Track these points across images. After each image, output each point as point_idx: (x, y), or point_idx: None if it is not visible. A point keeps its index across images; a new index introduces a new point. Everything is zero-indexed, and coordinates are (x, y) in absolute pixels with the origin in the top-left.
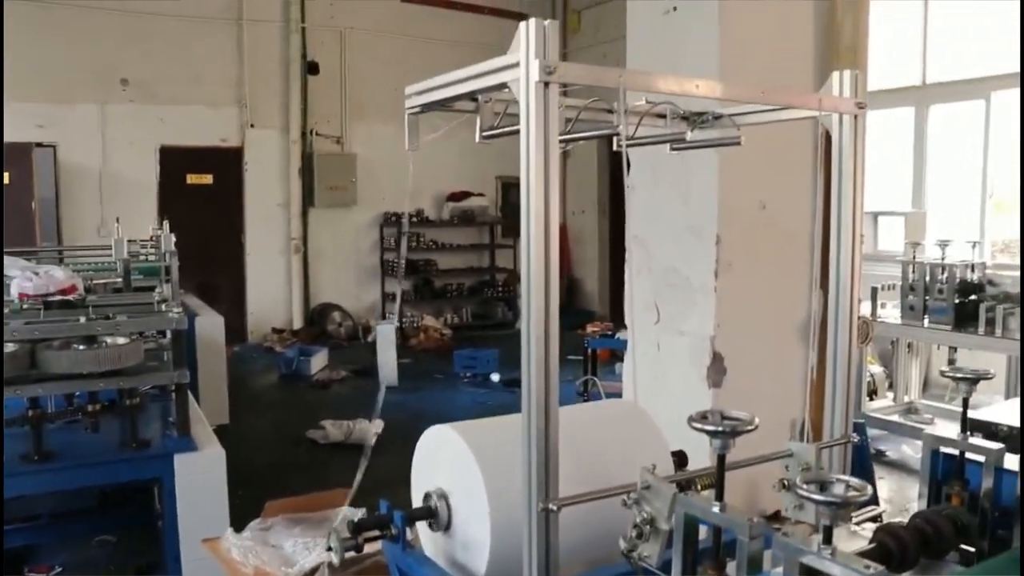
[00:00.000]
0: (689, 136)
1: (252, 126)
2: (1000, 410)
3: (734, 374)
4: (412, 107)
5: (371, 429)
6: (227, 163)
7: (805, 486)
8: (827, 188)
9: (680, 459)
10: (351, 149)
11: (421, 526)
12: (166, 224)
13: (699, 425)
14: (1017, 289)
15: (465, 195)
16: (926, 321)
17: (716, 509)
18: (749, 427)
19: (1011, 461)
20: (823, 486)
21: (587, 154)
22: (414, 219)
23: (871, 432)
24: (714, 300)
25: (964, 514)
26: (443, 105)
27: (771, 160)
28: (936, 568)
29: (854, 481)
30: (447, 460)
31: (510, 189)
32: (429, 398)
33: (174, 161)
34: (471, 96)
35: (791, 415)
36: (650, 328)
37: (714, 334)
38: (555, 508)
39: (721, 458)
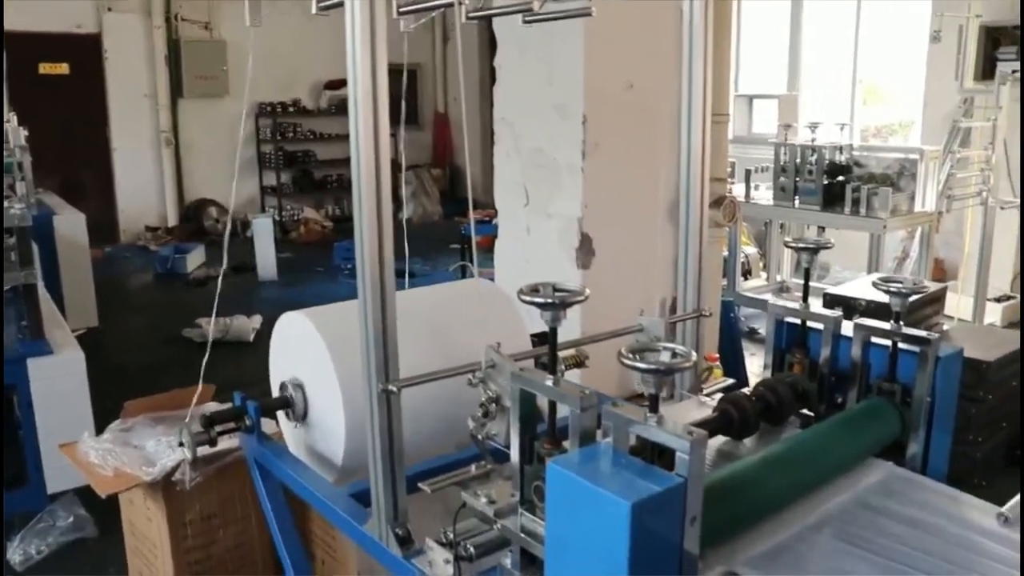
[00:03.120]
0: (537, 6)
1: (109, 10)
2: (859, 285)
3: (603, 255)
4: None
5: (249, 325)
6: (84, 51)
7: (629, 355)
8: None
9: (543, 340)
10: (220, 35)
11: (282, 418)
12: (13, 117)
13: (528, 298)
14: (883, 169)
15: (343, 83)
16: (796, 202)
17: (549, 383)
18: (579, 298)
19: (847, 328)
20: (649, 355)
21: (468, 40)
22: (291, 109)
23: (746, 311)
24: (581, 181)
25: (804, 381)
26: None
27: (638, 40)
28: (778, 432)
29: (679, 349)
30: (301, 348)
31: (391, 76)
32: (309, 291)
33: (22, 49)
34: None
35: (662, 294)
36: (519, 211)
37: (582, 215)
38: (395, 389)
39: (553, 331)
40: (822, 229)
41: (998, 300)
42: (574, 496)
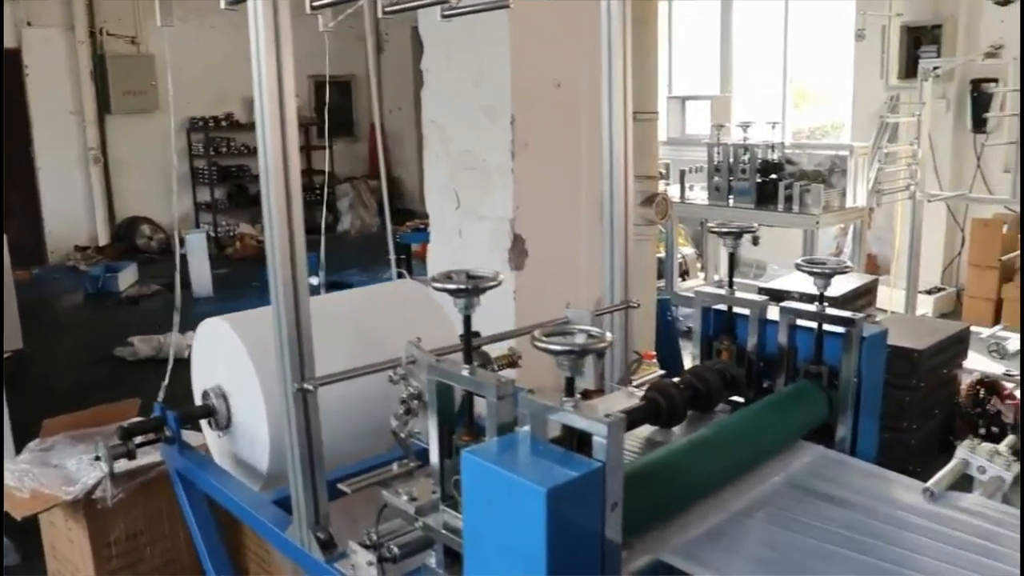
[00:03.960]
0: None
1: (29, 24)
2: (792, 279)
3: (536, 256)
4: None
5: (184, 342)
6: (2, 67)
7: (543, 339)
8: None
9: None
10: (148, 50)
11: (207, 429)
12: None
13: (440, 285)
14: (814, 166)
15: None
16: (731, 201)
17: (465, 372)
18: (492, 283)
19: (773, 312)
20: (564, 338)
21: (402, 50)
22: (223, 123)
23: (684, 311)
24: (512, 182)
25: (733, 367)
26: None
27: (565, 39)
28: (707, 420)
29: (594, 331)
30: (222, 355)
31: (323, 89)
32: (245, 306)
33: None
34: None
35: (597, 293)
36: (450, 215)
37: (513, 216)
38: (311, 388)
39: (467, 319)
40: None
41: (929, 292)
42: (489, 485)
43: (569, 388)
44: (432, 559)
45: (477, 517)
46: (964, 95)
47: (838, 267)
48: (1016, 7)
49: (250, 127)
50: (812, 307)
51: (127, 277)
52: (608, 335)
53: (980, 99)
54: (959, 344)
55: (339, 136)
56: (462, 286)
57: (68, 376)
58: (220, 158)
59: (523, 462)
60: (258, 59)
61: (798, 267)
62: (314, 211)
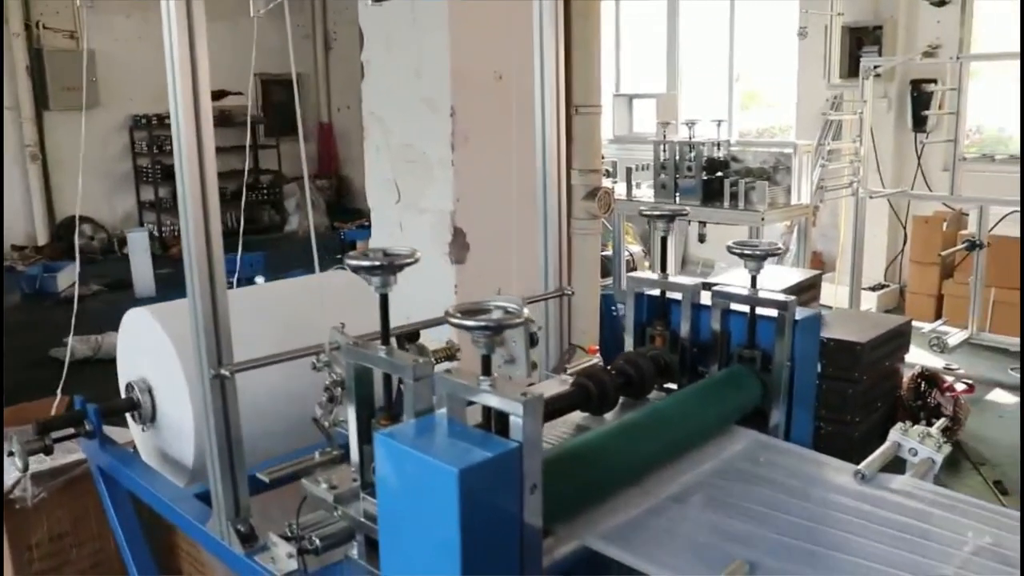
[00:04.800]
0: None
1: None
2: (736, 275)
3: (477, 249)
4: None
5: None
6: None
7: (457, 315)
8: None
9: (412, 335)
10: (88, 45)
11: (133, 424)
12: None
13: (355, 262)
14: (759, 164)
15: (222, 94)
16: (677, 198)
17: (382, 354)
18: (409, 260)
19: (706, 297)
20: (480, 315)
21: (350, 48)
22: (167, 120)
23: None
24: (452, 174)
25: (666, 353)
26: None
27: (505, 30)
28: (640, 407)
29: (511, 307)
30: (146, 346)
31: (271, 87)
32: None
33: None
34: None
35: (540, 287)
36: (391, 208)
37: (454, 209)
38: (228, 374)
39: (383, 298)
40: (703, 224)
41: (873, 289)
42: (402, 467)
43: (486, 367)
44: (355, 550)
45: (391, 502)
46: (905, 95)
47: (770, 249)
48: (953, 8)
49: None
50: (744, 290)
51: (67, 277)
52: (525, 311)
53: (920, 98)
54: (901, 338)
55: (286, 135)
56: (377, 263)
57: (6, 378)
58: (164, 156)
59: (437, 443)
60: (171, 51)
61: (729, 249)
62: (261, 211)
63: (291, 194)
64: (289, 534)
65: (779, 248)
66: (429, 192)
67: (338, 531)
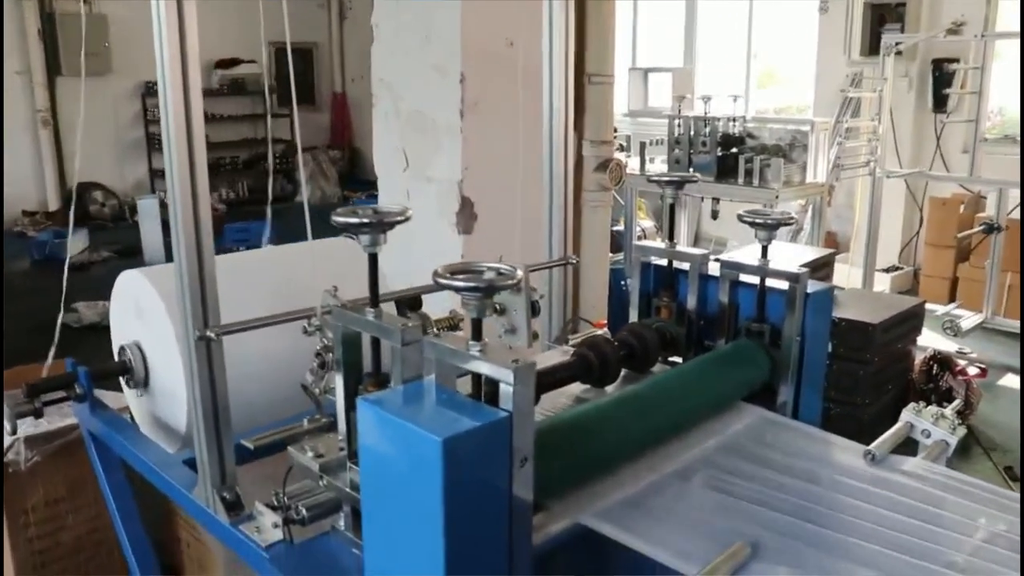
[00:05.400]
0: None
1: None
2: (750, 251)
3: (485, 219)
4: None
5: None
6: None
7: (446, 275)
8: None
9: (413, 304)
10: (100, 9)
11: (128, 390)
12: None
13: (343, 219)
14: (775, 140)
15: (235, 62)
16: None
17: (370, 317)
18: (399, 218)
19: (714, 268)
20: (471, 275)
21: (364, 18)
22: None
23: None
24: (460, 142)
25: (672, 326)
26: None
27: None
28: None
29: (504, 268)
30: (140, 309)
31: (284, 56)
32: None
33: None
34: None
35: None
36: (398, 176)
37: (462, 178)
38: (215, 336)
39: (372, 257)
40: (717, 201)
41: (887, 271)
42: (385, 436)
43: (476, 331)
44: (341, 521)
45: (374, 472)
46: (926, 74)
47: (783, 218)
48: None
49: (209, 92)
50: (754, 261)
51: (77, 243)
52: (519, 272)
53: (941, 78)
54: (914, 320)
55: (300, 105)
56: (365, 220)
57: (8, 343)
58: None
59: (422, 411)
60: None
61: (740, 218)
62: (274, 180)
63: (303, 164)
64: (275, 504)
65: (792, 218)
66: (437, 161)
67: (325, 501)
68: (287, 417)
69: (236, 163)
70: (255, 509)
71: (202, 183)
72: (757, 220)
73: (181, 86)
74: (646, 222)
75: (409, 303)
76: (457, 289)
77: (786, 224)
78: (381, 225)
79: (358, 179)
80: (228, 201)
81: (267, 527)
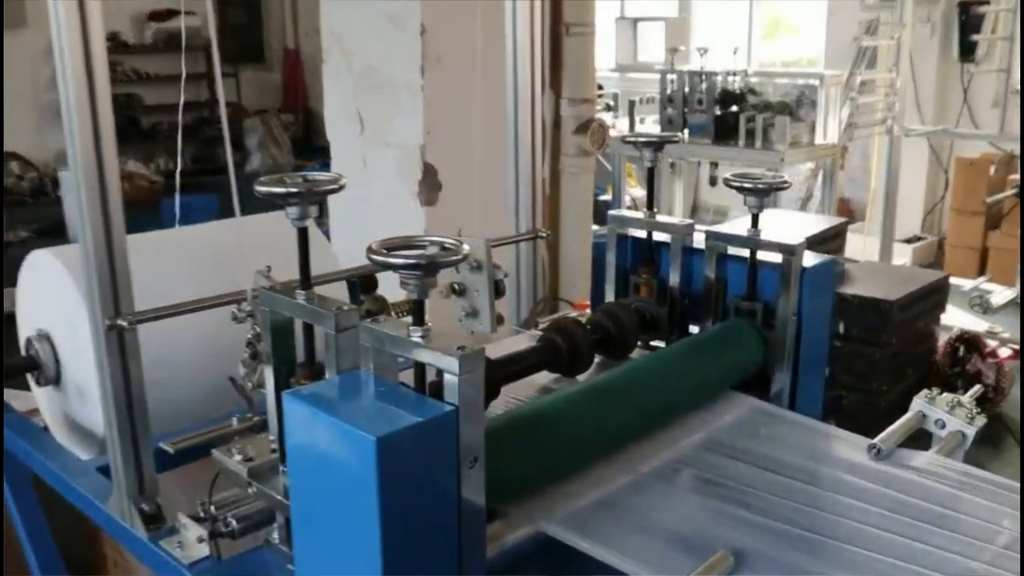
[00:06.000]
0: None
1: None
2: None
3: (450, 189)
4: None
5: None
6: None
7: (381, 251)
8: None
9: (368, 285)
10: None
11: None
12: None
13: (266, 188)
14: (780, 97)
15: (171, 13)
16: (686, 135)
17: (301, 300)
18: (331, 186)
19: (699, 239)
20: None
21: None
22: (108, 44)
23: None
24: (421, 103)
25: (652, 306)
26: None
27: None
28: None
29: (449, 242)
30: (49, 295)
31: (229, 7)
32: None
33: None
34: None
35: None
36: (353, 141)
37: (424, 143)
38: (127, 324)
39: (302, 232)
40: (715, 165)
41: (908, 241)
42: (313, 435)
43: (418, 314)
44: (275, 533)
45: (303, 476)
46: (951, 18)
47: (775, 182)
48: None
49: (141, 49)
50: (744, 232)
51: None
52: (465, 247)
53: (969, 22)
54: (937, 295)
55: (246, 63)
56: (291, 189)
57: None
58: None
59: (355, 406)
60: None
61: (727, 182)
62: (219, 149)
63: (252, 130)
64: (201, 515)
65: (785, 182)
66: (396, 123)
67: (257, 511)
68: (217, 416)
69: (174, 129)
70: (178, 522)
71: (108, 146)
72: (745, 184)
73: (79, 27)
74: (637, 190)
75: (364, 285)
76: (393, 267)
77: (779, 188)
78: (311, 195)
79: (314, 146)
80: (165, 172)
81: (191, 542)
